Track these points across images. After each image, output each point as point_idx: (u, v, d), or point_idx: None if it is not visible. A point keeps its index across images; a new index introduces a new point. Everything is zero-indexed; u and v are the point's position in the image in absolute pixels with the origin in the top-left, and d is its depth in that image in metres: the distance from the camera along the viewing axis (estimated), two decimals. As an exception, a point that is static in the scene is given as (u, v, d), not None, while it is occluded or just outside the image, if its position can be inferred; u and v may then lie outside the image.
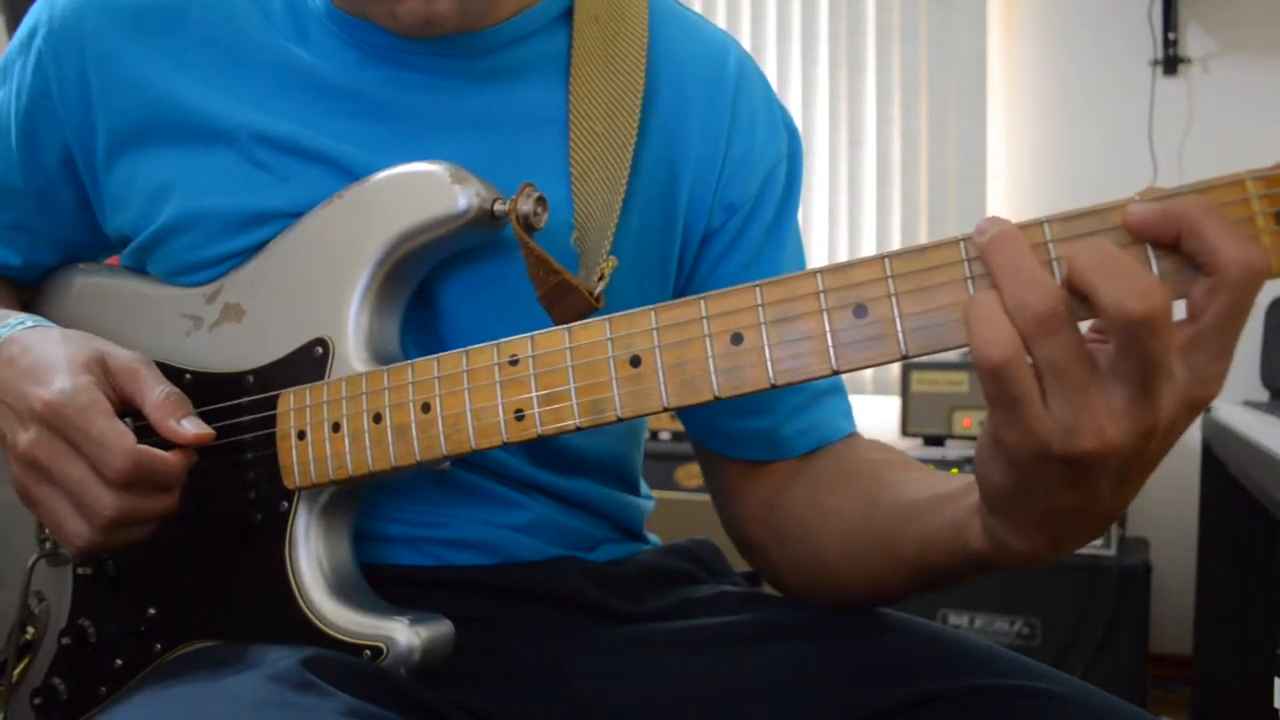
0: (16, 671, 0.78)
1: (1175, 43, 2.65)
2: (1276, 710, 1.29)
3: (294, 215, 0.73)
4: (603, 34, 0.77)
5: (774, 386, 0.55)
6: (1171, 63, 2.66)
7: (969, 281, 0.50)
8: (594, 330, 0.59)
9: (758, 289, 0.55)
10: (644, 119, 0.76)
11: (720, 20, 3.08)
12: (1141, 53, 2.69)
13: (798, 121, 2.98)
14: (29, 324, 0.73)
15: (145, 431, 0.67)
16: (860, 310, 0.52)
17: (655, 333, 0.57)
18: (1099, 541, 2.24)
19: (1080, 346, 0.46)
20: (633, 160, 0.74)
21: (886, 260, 0.52)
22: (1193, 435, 2.44)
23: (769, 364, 0.54)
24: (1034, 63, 2.83)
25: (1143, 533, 2.55)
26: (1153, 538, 2.50)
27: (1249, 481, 1.46)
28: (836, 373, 0.54)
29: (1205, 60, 2.66)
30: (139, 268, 0.81)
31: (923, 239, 2.86)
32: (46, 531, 0.80)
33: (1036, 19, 2.83)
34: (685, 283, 0.83)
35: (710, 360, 0.56)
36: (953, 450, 2.44)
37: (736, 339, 0.55)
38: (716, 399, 0.56)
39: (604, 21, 0.77)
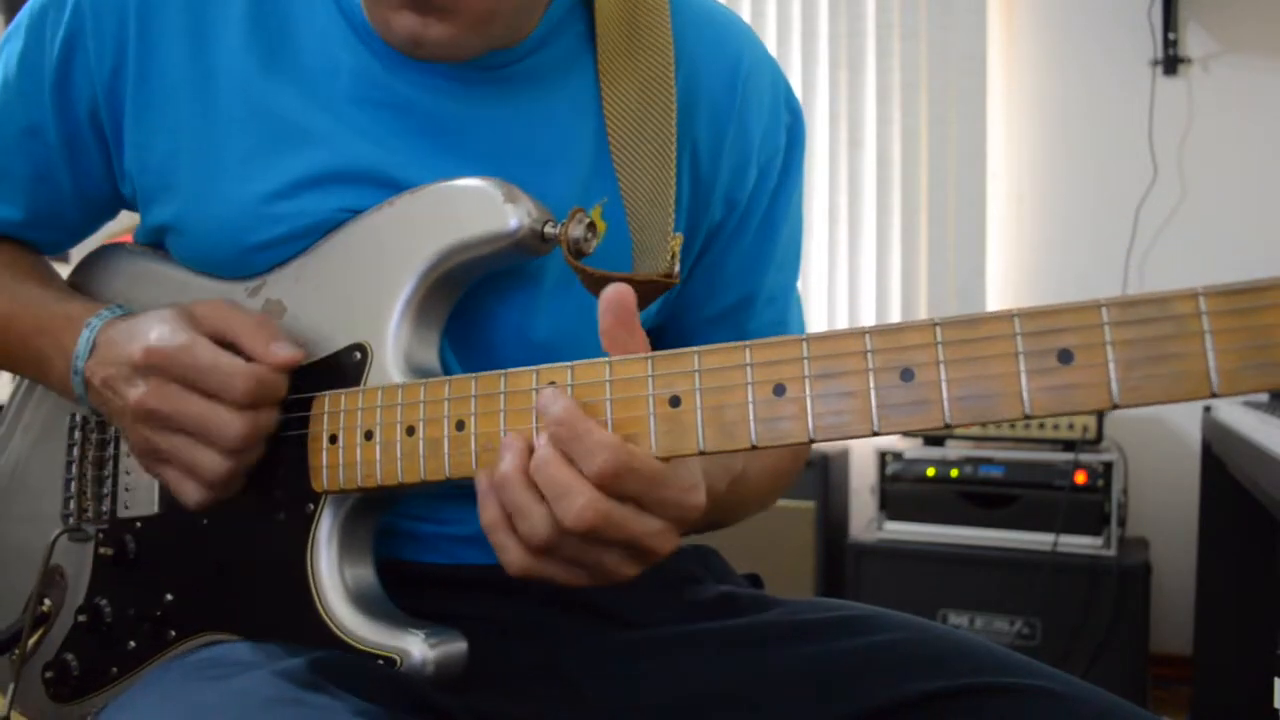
0: (31, 642, 0.79)
1: (1175, 43, 2.65)
2: (1276, 710, 1.29)
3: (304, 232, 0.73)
4: (622, 11, 0.77)
5: (813, 441, 0.55)
6: (1171, 63, 2.66)
7: (1020, 357, 0.50)
8: (635, 367, 0.59)
9: (804, 343, 0.55)
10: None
11: (720, 20, 3.08)
12: (1141, 53, 2.69)
13: (798, 121, 2.98)
14: (118, 313, 0.74)
15: None
16: (907, 374, 0.52)
17: (697, 375, 0.57)
18: (1099, 541, 2.25)
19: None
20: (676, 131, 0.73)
21: (937, 328, 0.52)
22: (1193, 435, 2.44)
23: (810, 417, 0.54)
24: (1034, 63, 2.83)
25: (1143, 533, 2.55)
26: (1153, 538, 2.51)
27: (1249, 481, 1.46)
28: (876, 434, 0.54)
29: (1205, 60, 2.66)
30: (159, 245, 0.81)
31: (923, 239, 2.87)
32: (70, 507, 0.81)
33: (1036, 19, 2.83)
34: (688, 278, 0.83)
35: (751, 408, 0.56)
36: (953, 450, 2.44)
37: (779, 390, 0.55)
38: (754, 448, 0.56)
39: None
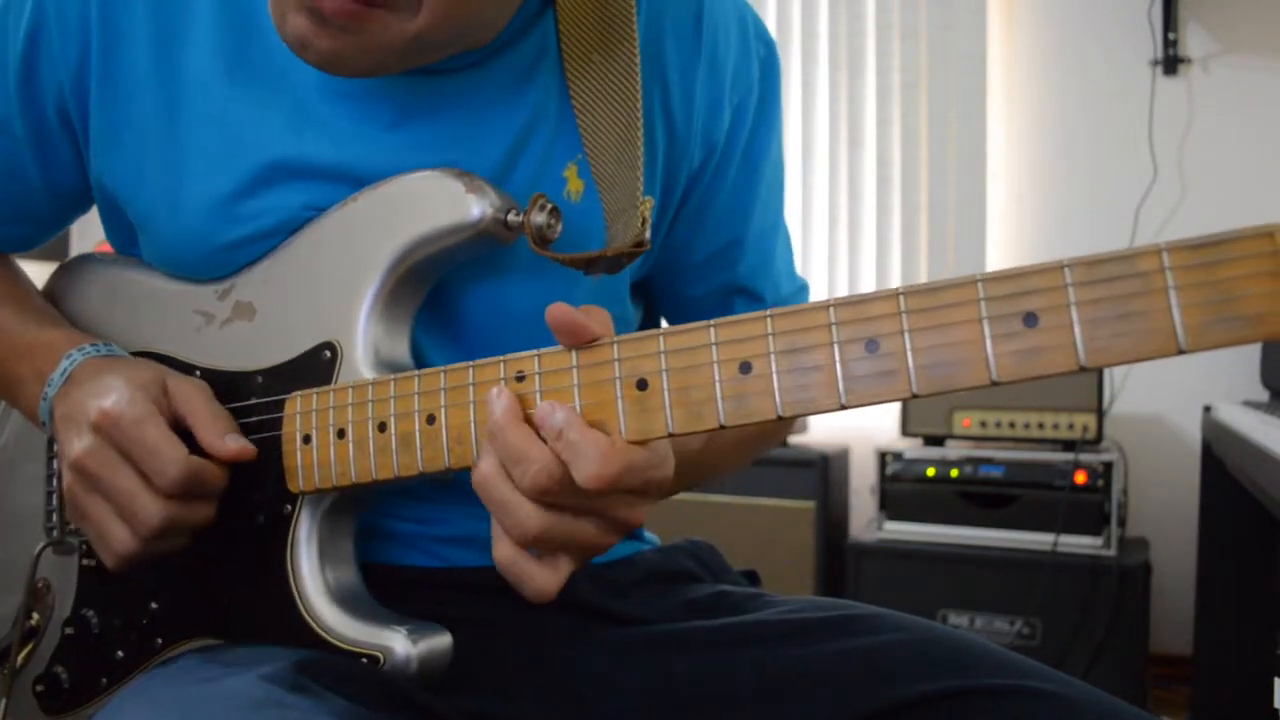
0: (21, 656, 0.79)
1: (1175, 43, 2.65)
2: (1276, 710, 1.29)
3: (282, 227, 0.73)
4: None
5: (781, 418, 0.55)
6: (1171, 63, 2.66)
7: (984, 322, 0.49)
8: (602, 352, 0.59)
9: (769, 318, 0.55)
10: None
11: (720, 20, 3.07)
12: (1141, 53, 2.69)
13: (798, 122, 3.00)
14: (102, 351, 0.74)
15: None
16: (872, 344, 0.52)
17: (663, 356, 0.57)
18: (1099, 541, 2.24)
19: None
20: (642, 85, 0.72)
21: (901, 296, 0.51)
22: (1193, 435, 2.44)
23: (776, 394, 0.54)
24: (1034, 63, 2.83)
25: (1143, 533, 2.55)
26: (1153, 538, 2.51)
27: (1249, 481, 1.46)
28: (844, 407, 0.53)
29: (1205, 60, 2.66)
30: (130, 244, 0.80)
31: (923, 239, 2.86)
32: (53, 520, 0.80)
33: (1036, 19, 2.83)
34: (670, 226, 0.82)
35: (717, 387, 0.56)
36: (952, 450, 2.44)
37: (745, 367, 0.55)
38: (722, 427, 0.56)
39: None
